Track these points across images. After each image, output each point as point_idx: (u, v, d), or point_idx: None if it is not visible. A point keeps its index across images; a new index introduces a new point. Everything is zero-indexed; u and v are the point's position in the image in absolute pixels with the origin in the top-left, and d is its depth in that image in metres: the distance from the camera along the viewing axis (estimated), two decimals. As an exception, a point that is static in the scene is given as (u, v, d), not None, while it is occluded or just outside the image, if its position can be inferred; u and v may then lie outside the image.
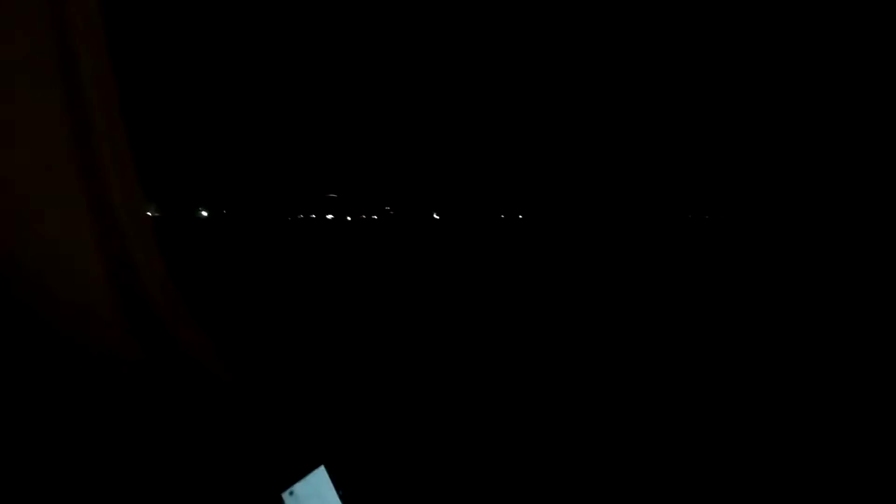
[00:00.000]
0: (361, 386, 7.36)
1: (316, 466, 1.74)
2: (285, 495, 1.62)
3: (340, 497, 1.76)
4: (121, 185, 1.60)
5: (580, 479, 4.94)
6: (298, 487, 1.65)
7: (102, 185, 1.55)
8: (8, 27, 1.45)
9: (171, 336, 1.61)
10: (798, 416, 6.30)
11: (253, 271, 20.62)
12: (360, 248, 32.51)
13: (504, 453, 5.32)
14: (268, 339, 9.97)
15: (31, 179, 1.48)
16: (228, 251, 28.29)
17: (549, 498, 4.63)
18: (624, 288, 17.00)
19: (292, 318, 12.57)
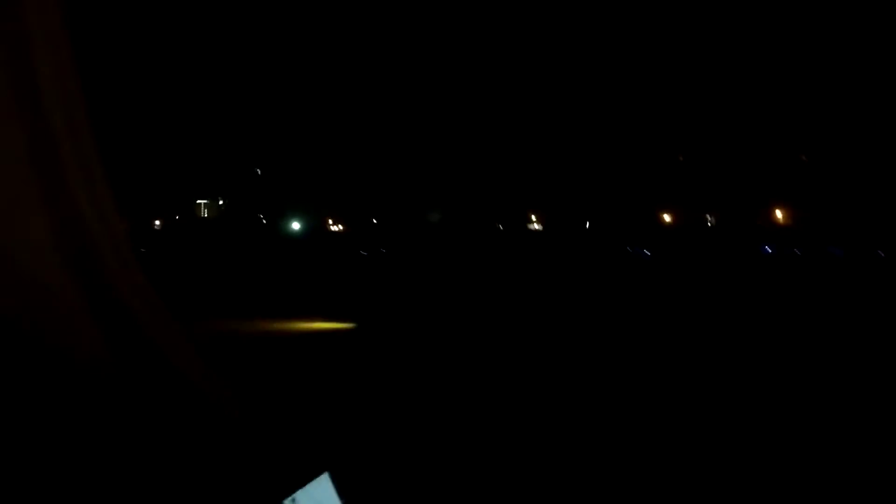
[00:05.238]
0: (369, 392, 7.26)
1: (319, 473, 1.66)
2: (286, 503, 1.53)
3: None
4: (88, 194, 1.53)
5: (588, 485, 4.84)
6: (300, 495, 1.57)
7: (65, 190, 1.49)
8: None
9: (148, 341, 1.53)
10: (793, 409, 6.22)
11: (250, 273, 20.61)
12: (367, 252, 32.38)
13: (507, 460, 5.21)
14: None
15: None
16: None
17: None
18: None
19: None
